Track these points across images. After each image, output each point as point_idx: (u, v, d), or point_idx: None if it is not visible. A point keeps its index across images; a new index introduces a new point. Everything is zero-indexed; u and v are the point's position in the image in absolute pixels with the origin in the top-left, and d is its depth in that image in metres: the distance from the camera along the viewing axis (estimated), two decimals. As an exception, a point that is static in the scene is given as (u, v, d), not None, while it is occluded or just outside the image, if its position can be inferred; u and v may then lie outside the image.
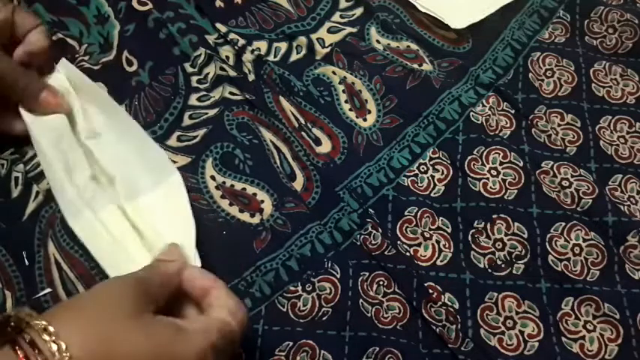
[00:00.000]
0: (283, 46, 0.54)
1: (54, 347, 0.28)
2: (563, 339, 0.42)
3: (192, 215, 0.43)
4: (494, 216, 0.46)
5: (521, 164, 0.48)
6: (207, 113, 0.50)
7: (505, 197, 0.47)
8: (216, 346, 0.33)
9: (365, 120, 0.50)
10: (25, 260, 0.43)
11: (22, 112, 0.46)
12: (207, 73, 0.51)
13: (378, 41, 0.54)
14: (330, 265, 0.44)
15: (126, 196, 0.44)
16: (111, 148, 0.46)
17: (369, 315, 0.43)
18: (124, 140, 0.46)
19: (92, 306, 0.31)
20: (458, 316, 0.42)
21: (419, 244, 0.45)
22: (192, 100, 0.50)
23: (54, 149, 0.44)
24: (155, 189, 0.45)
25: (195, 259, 0.41)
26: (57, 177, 0.44)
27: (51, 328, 0.28)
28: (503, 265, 0.45)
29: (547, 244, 0.45)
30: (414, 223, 0.46)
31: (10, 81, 0.44)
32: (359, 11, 0.56)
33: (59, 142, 0.45)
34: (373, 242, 0.45)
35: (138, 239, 0.42)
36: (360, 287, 0.44)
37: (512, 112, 0.51)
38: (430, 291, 0.43)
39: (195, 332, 0.33)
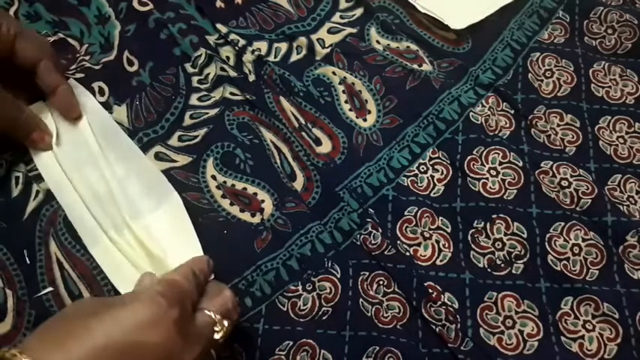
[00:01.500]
0: (283, 46, 0.54)
1: None
2: (563, 338, 0.42)
3: (195, 232, 0.44)
4: (494, 216, 0.46)
5: (520, 164, 0.48)
6: (207, 113, 0.50)
7: (505, 197, 0.47)
8: (164, 293, 0.33)
9: (365, 120, 0.51)
10: (27, 259, 0.43)
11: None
12: (208, 74, 0.52)
13: (378, 42, 0.55)
14: (330, 264, 0.44)
15: (130, 216, 0.44)
16: (111, 168, 0.46)
17: (369, 314, 0.43)
18: (122, 161, 0.47)
19: (59, 322, 0.32)
20: (457, 316, 0.42)
21: (419, 244, 0.45)
22: (193, 99, 0.50)
23: (66, 176, 0.46)
24: (157, 209, 0.45)
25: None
26: (75, 206, 0.45)
27: (14, 351, 0.28)
28: (502, 265, 0.45)
29: (546, 243, 0.45)
30: (414, 223, 0.46)
31: None
32: (359, 12, 0.56)
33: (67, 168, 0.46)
34: (373, 242, 0.45)
35: (147, 258, 0.43)
36: (360, 287, 0.44)
37: (512, 112, 0.51)
38: (430, 290, 0.43)
39: (139, 293, 0.34)
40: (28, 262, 0.43)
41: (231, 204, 0.46)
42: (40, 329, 0.31)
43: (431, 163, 0.49)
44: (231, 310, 0.38)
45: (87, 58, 0.52)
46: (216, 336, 0.36)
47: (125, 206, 0.44)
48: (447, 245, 0.45)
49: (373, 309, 0.43)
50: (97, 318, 0.31)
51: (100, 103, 0.49)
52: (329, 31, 0.55)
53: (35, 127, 0.46)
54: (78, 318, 0.31)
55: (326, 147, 0.49)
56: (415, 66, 0.53)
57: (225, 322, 0.36)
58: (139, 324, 0.31)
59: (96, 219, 0.44)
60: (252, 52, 0.53)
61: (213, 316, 0.36)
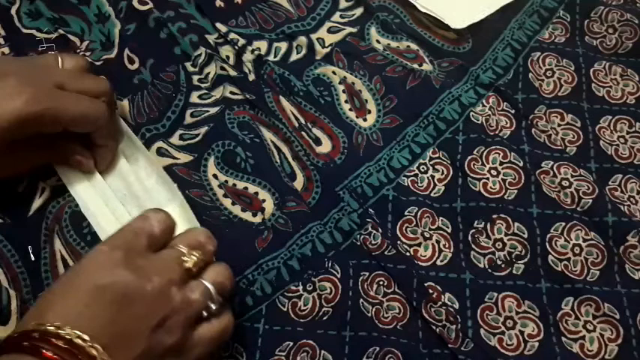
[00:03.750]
0: (283, 46, 0.54)
1: (93, 351, 0.30)
2: (563, 339, 0.42)
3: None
4: (494, 216, 0.46)
5: (521, 164, 0.48)
6: (208, 111, 0.50)
7: (505, 197, 0.47)
8: (105, 242, 0.36)
9: (365, 120, 0.50)
10: (31, 255, 0.43)
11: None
12: (208, 73, 0.51)
13: (378, 41, 0.54)
14: (330, 264, 0.44)
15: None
16: (120, 165, 0.46)
17: (369, 315, 0.43)
18: (133, 158, 0.47)
19: (77, 292, 0.33)
20: (458, 316, 0.42)
21: (419, 244, 0.45)
22: (194, 97, 0.50)
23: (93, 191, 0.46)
24: (168, 204, 0.45)
25: None
26: (91, 203, 0.45)
27: (85, 336, 0.30)
28: (503, 265, 0.45)
29: (547, 244, 0.45)
30: (414, 223, 0.46)
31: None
32: (359, 11, 0.56)
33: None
34: (373, 242, 0.45)
35: None
36: (360, 287, 0.44)
37: (512, 112, 0.51)
38: (430, 291, 0.43)
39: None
40: (33, 259, 0.43)
41: (233, 203, 0.46)
42: (39, 305, 0.33)
43: (431, 163, 0.49)
44: (204, 242, 0.38)
45: (88, 54, 0.52)
46: (186, 265, 0.36)
47: (144, 199, 0.44)
48: (447, 245, 0.45)
49: (373, 309, 0.43)
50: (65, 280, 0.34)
51: None
52: (329, 31, 0.55)
53: (75, 149, 0.45)
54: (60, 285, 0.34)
55: (326, 147, 0.49)
56: (415, 65, 0.53)
57: (196, 253, 0.37)
58: (90, 270, 0.34)
59: (114, 214, 0.44)
60: (252, 51, 0.52)
61: (180, 248, 0.37)
